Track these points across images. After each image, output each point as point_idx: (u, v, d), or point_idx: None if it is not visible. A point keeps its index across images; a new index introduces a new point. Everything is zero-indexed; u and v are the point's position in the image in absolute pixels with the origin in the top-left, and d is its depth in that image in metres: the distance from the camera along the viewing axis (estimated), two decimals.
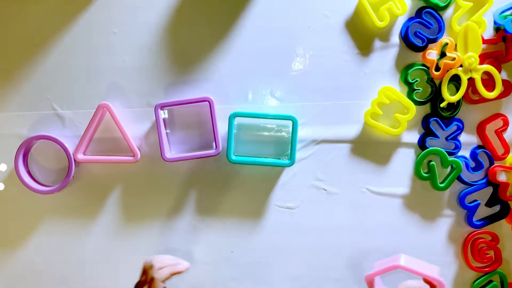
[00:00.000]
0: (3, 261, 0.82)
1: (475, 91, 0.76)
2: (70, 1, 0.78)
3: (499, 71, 0.75)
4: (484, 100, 0.77)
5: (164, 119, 0.77)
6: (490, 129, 0.79)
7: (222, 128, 0.77)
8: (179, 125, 0.79)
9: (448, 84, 0.75)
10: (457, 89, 0.76)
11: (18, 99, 0.80)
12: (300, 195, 0.80)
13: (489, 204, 0.80)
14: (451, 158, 0.78)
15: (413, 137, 0.80)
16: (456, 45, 0.75)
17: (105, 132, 0.79)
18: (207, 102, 0.75)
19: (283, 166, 0.78)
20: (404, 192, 0.80)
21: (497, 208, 0.80)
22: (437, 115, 0.78)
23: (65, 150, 0.77)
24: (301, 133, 0.78)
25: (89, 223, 0.81)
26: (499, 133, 0.79)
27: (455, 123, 0.78)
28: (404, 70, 0.78)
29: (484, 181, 0.79)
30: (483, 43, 0.76)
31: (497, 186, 0.79)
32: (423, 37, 0.76)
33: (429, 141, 0.78)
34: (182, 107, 0.78)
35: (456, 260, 0.81)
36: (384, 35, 0.78)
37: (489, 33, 0.77)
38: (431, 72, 0.77)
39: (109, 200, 0.81)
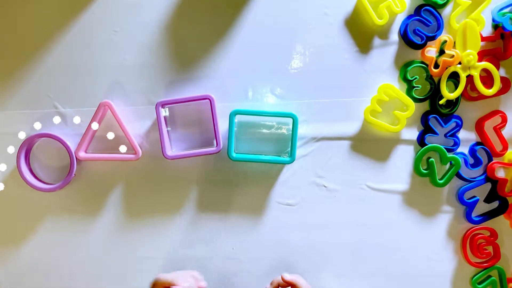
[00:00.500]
0: (6, 258, 0.83)
1: (474, 88, 0.76)
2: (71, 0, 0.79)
3: (498, 68, 0.76)
4: (482, 97, 0.77)
5: (165, 117, 0.77)
6: (488, 126, 0.79)
7: (222, 125, 0.78)
8: (180, 123, 0.80)
9: (447, 81, 0.76)
10: (456, 86, 0.76)
11: (19, 98, 0.80)
12: (300, 192, 0.81)
13: (487, 200, 0.81)
14: (450, 155, 0.78)
15: (413, 134, 0.80)
16: (455, 42, 0.76)
17: (106, 130, 0.79)
18: (207, 100, 0.75)
19: (284, 163, 0.79)
20: (403, 189, 0.81)
21: (495, 204, 0.81)
22: (436, 112, 0.78)
23: (67, 148, 0.78)
24: (301, 130, 0.79)
25: (91, 220, 0.82)
26: (497, 129, 0.79)
27: (454, 120, 0.79)
28: (403, 68, 0.79)
29: (482, 177, 0.80)
30: (482, 41, 0.76)
31: (495, 182, 0.80)
32: (422, 35, 0.77)
33: (428, 138, 0.79)
34: (183, 105, 0.78)
35: (455, 255, 0.82)
36: (383, 33, 0.79)
37: (487, 30, 0.78)
38: (430, 69, 0.77)
39: (110, 197, 0.81)
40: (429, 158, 0.79)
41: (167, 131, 0.79)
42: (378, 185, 0.81)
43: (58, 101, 0.80)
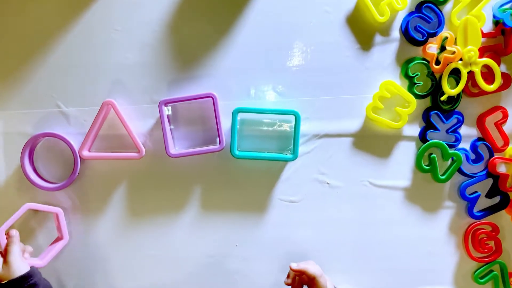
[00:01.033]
0: None
1: (475, 84, 0.77)
2: None
3: (498, 64, 0.76)
4: (483, 93, 0.78)
5: (168, 116, 0.78)
6: (489, 121, 0.80)
7: (225, 123, 0.78)
8: (183, 121, 0.80)
9: (448, 77, 0.76)
10: (457, 83, 0.77)
11: (22, 98, 0.80)
12: (303, 189, 0.81)
13: (489, 195, 0.81)
14: (451, 151, 0.79)
15: (414, 130, 0.80)
16: (456, 39, 0.76)
17: (109, 129, 0.80)
18: (210, 98, 0.76)
19: (286, 160, 0.79)
20: (405, 185, 0.81)
21: (497, 199, 0.81)
22: (437, 109, 0.79)
23: (71, 147, 0.78)
24: (304, 127, 0.79)
25: (95, 219, 0.82)
26: (498, 125, 0.80)
27: (455, 116, 0.79)
28: (405, 64, 0.79)
29: (484, 172, 0.80)
30: (483, 37, 0.76)
31: (497, 178, 0.80)
32: (423, 32, 0.77)
33: (430, 134, 0.79)
34: (185, 103, 0.78)
35: (457, 250, 0.83)
36: (385, 30, 0.79)
37: (488, 26, 0.78)
38: (431, 66, 0.78)
39: (114, 195, 0.81)
40: (430, 154, 0.79)
41: (170, 129, 0.79)
42: (380, 181, 0.81)
43: (61, 101, 0.80)
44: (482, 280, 0.82)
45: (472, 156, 0.80)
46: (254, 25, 0.79)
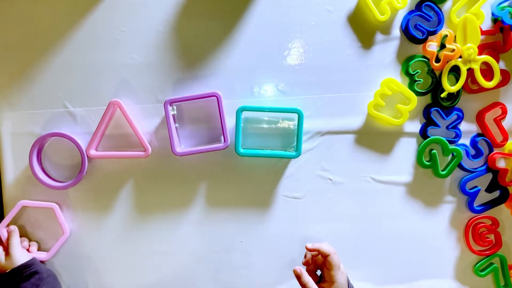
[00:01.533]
0: None
1: (474, 81, 0.77)
2: (78, 0, 0.80)
3: (497, 61, 0.77)
4: (483, 89, 0.79)
5: (173, 115, 0.79)
6: (489, 117, 0.81)
7: (229, 122, 0.79)
8: (188, 120, 0.81)
9: (448, 75, 0.77)
10: (457, 80, 0.77)
11: (30, 98, 0.81)
12: (306, 185, 0.82)
13: (489, 189, 0.82)
14: (452, 146, 0.79)
15: (415, 126, 0.81)
16: (455, 36, 0.77)
17: (116, 128, 0.81)
18: (214, 97, 0.77)
19: (290, 157, 0.80)
20: (407, 180, 0.82)
21: (496, 193, 0.82)
22: (437, 105, 0.80)
23: (78, 146, 0.79)
24: (306, 125, 0.80)
25: (103, 217, 0.83)
26: (498, 121, 0.81)
27: (455, 112, 0.80)
28: (405, 62, 0.80)
29: (484, 167, 0.81)
30: (482, 34, 0.77)
31: (496, 172, 0.81)
32: (423, 30, 0.78)
33: (431, 130, 0.80)
34: (190, 103, 0.79)
35: (458, 244, 0.84)
36: (385, 29, 0.80)
37: (487, 24, 0.79)
38: (432, 63, 0.78)
39: (121, 194, 0.83)
40: (431, 150, 0.80)
41: (176, 128, 0.80)
42: (382, 177, 0.82)
43: (68, 101, 0.81)
44: (482, 273, 0.83)
45: (472, 151, 0.81)
46: (257, 25, 0.80)
